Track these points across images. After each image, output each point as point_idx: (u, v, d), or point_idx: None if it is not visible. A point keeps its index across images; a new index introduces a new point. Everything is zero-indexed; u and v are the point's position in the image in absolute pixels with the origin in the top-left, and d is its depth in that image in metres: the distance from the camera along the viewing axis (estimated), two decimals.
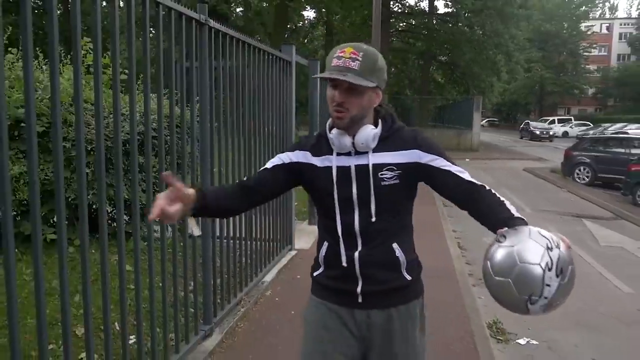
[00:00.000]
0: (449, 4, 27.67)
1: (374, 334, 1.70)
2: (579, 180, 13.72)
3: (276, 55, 4.99)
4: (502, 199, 1.54)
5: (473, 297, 4.66)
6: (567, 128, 39.30)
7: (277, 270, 5.19)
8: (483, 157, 20.94)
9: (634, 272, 5.96)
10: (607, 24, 60.85)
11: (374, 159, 1.62)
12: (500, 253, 1.33)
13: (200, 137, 3.54)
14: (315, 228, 2.15)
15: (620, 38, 58.93)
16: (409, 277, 1.69)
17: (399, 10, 29.08)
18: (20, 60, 4.95)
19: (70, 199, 4.76)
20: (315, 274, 1.80)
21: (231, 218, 4.03)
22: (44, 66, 5.24)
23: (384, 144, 1.63)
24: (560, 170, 14.89)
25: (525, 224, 1.42)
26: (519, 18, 25.03)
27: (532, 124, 37.30)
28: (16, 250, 1.94)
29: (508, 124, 57.92)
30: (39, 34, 17.86)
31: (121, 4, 2.77)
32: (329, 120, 1.71)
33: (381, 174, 1.61)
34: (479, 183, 1.59)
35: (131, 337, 3.00)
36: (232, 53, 3.87)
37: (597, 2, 57.69)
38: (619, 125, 31.39)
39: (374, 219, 1.63)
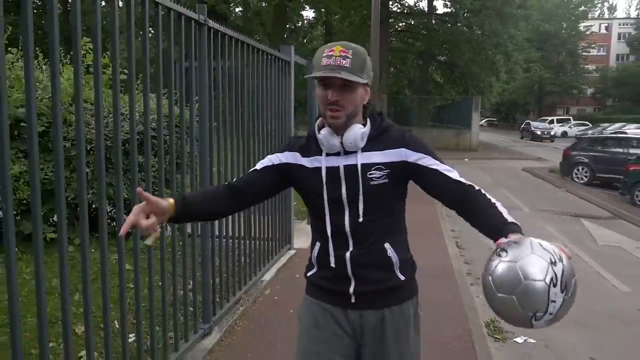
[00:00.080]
0: (448, 4, 27.68)
1: (368, 334, 1.69)
2: (577, 180, 13.74)
3: (275, 55, 5.00)
4: (492, 200, 1.53)
5: (471, 296, 4.68)
6: (566, 128, 39.26)
7: (276, 269, 5.20)
8: (482, 157, 20.96)
9: (631, 271, 5.98)
10: (606, 24, 60.87)
11: (362, 158, 1.61)
12: (502, 268, 1.29)
13: (199, 137, 3.55)
14: None
15: (619, 38, 58.96)
16: (402, 277, 1.68)
17: (398, 10, 29.07)
18: (20, 60, 4.96)
19: (69, 199, 4.77)
20: (308, 274, 1.80)
21: (230, 217, 4.05)
22: (43, 66, 5.25)
23: (372, 143, 1.63)
24: (559, 170, 14.92)
25: (519, 229, 1.41)
26: (517, 18, 25.05)
27: (533, 124, 36.93)
28: (16, 249, 1.95)
29: (507, 124, 57.93)
30: (37, 33, 17.86)
31: (120, 4, 2.78)
32: (318, 121, 1.71)
33: (370, 174, 1.60)
34: (468, 183, 1.58)
35: (131, 335, 3.01)
36: (231, 53, 3.88)
37: (596, 2, 57.64)
38: (617, 125, 31.39)
39: (361, 219, 1.62)
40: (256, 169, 1.76)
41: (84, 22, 2.29)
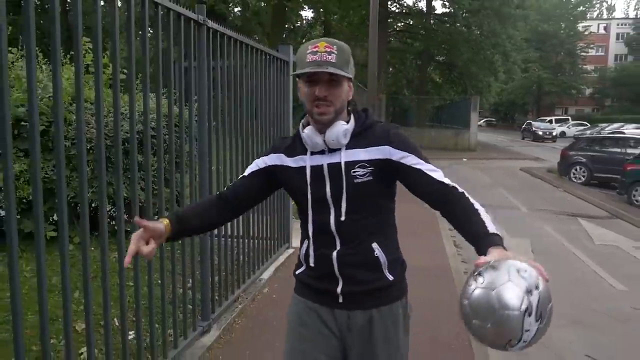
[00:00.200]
0: (447, 4, 27.66)
1: (355, 334, 1.67)
2: (575, 180, 13.77)
3: (274, 55, 5.03)
4: (475, 206, 1.49)
5: None
6: (564, 128, 39.22)
7: (274, 268, 5.23)
8: (480, 157, 20.97)
9: (628, 270, 6.02)
10: (605, 24, 60.90)
11: (346, 156, 1.59)
12: (478, 295, 1.26)
13: (198, 136, 3.57)
14: None
15: (617, 38, 58.98)
16: (391, 277, 1.65)
17: (397, 10, 29.08)
18: (20, 60, 4.97)
19: (69, 197, 4.79)
20: (297, 272, 1.78)
21: None
22: (43, 65, 5.27)
23: (356, 140, 1.60)
24: (557, 170, 14.95)
25: (501, 240, 1.39)
26: (516, 18, 25.05)
27: (535, 124, 36.37)
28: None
29: (506, 124, 57.98)
30: (37, 33, 17.82)
31: (119, 3, 2.80)
32: (303, 120, 1.70)
33: (353, 172, 1.58)
34: (451, 184, 1.55)
35: (130, 332, 3.03)
36: (230, 53, 3.90)
37: (594, 2, 57.79)
38: (616, 125, 31.40)
39: (343, 218, 1.60)
40: (244, 175, 1.76)
41: (83, 22, 2.30)
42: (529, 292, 1.22)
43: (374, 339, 1.66)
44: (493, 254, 1.32)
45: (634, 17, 62.60)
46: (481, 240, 1.40)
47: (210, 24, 3.50)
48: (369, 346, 1.66)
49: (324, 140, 1.59)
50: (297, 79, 1.62)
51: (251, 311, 4.17)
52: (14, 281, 1.94)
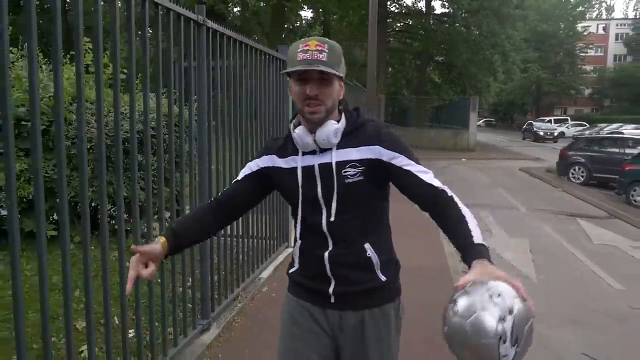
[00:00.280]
0: (446, 4, 27.68)
1: (347, 334, 1.67)
2: (574, 180, 13.79)
3: (273, 55, 5.04)
4: (462, 211, 1.47)
5: None
6: (563, 128, 39.21)
7: (273, 267, 5.24)
8: (479, 157, 20.99)
9: (626, 270, 6.03)
10: (604, 25, 60.92)
11: (337, 156, 1.57)
12: (454, 323, 1.27)
13: (198, 136, 3.59)
14: None
15: (616, 38, 59.00)
16: (383, 278, 1.64)
17: (396, 11, 29.09)
18: (20, 60, 4.98)
19: (69, 197, 4.80)
20: (290, 271, 1.78)
21: None
22: (43, 65, 5.28)
23: (348, 140, 1.59)
24: (556, 170, 14.97)
25: (485, 251, 1.37)
26: (515, 18, 25.05)
27: (536, 124, 36.23)
28: None
29: (505, 124, 57.97)
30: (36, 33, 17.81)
31: (119, 4, 2.81)
32: (294, 120, 1.68)
33: (344, 171, 1.56)
34: (440, 187, 1.53)
35: (131, 331, 3.04)
36: (229, 53, 3.92)
37: (593, 2, 57.84)
38: (615, 125, 31.42)
39: (333, 218, 1.59)
40: (238, 180, 1.76)
41: (83, 22, 2.31)
42: (502, 319, 1.22)
43: (366, 339, 1.66)
44: (474, 271, 1.32)
45: (633, 17, 62.65)
46: (466, 249, 1.39)
47: (210, 24, 3.52)
48: (361, 346, 1.66)
49: (315, 140, 1.58)
50: (288, 78, 1.62)
51: (250, 310, 4.19)
52: (16, 280, 1.96)
